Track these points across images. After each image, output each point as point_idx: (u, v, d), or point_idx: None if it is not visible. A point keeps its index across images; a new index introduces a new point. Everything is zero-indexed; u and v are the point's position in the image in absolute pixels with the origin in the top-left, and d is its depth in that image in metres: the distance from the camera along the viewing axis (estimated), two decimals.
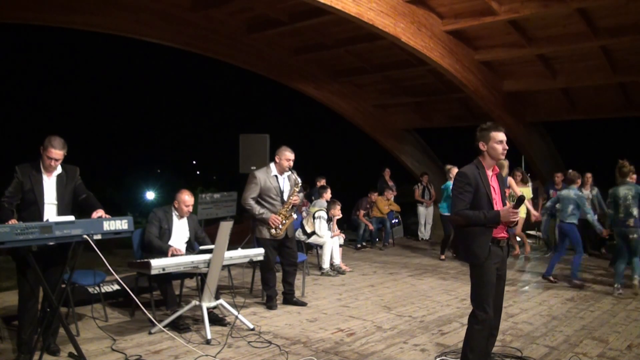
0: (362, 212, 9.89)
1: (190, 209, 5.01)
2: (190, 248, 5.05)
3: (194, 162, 31.28)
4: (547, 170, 9.99)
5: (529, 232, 10.62)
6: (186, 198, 4.97)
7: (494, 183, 3.34)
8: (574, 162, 9.36)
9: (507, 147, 3.34)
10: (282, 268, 5.52)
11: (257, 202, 5.26)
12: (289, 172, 5.38)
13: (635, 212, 5.88)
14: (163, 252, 4.64)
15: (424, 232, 11.28)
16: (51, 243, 3.40)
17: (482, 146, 3.32)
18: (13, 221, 3.47)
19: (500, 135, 3.30)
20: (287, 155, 5.30)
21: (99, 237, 3.52)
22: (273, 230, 5.21)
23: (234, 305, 4.71)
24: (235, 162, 8.04)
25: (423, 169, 11.62)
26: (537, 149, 10.33)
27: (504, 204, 3.36)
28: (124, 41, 9.04)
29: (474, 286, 3.27)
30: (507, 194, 6.75)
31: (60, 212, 3.76)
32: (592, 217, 6.46)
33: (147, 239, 4.81)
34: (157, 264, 4.12)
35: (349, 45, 8.82)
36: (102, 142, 25.09)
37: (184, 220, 5.06)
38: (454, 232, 3.46)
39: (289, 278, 5.47)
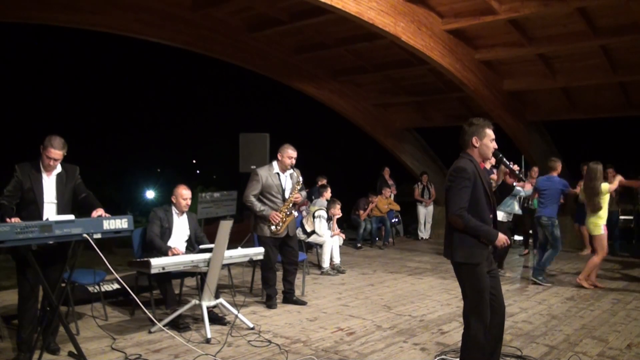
0: (362, 212, 9.91)
1: (189, 202, 4.99)
2: (191, 246, 5.06)
3: (194, 162, 31.27)
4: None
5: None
6: (183, 192, 4.96)
7: (485, 177, 3.25)
8: (574, 162, 9.35)
9: (496, 146, 3.25)
10: (283, 267, 5.52)
11: (259, 200, 5.26)
12: (292, 171, 5.38)
13: None
14: (163, 253, 4.65)
15: (424, 231, 11.29)
16: (51, 242, 3.40)
17: (475, 142, 3.18)
18: (13, 220, 3.47)
19: (493, 133, 3.22)
20: (289, 153, 5.30)
21: (98, 236, 3.52)
22: (273, 227, 5.22)
23: (234, 304, 4.71)
24: (235, 161, 8.03)
25: (423, 168, 11.63)
26: (537, 149, 10.32)
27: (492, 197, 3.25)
28: (124, 40, 9.03)
29: (470, 293, 3.08)
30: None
31: (59, 211, 3.76)
32: None
33: (149, 238, 4.82)
34: (157, 263, 4.13)
35: (349, 45, 8.82)
36: (102, 141, 25.10)
37: (184, 218, 5.06)
38: (446, 230, 3.30)
39: (289, 277, 5.47)
